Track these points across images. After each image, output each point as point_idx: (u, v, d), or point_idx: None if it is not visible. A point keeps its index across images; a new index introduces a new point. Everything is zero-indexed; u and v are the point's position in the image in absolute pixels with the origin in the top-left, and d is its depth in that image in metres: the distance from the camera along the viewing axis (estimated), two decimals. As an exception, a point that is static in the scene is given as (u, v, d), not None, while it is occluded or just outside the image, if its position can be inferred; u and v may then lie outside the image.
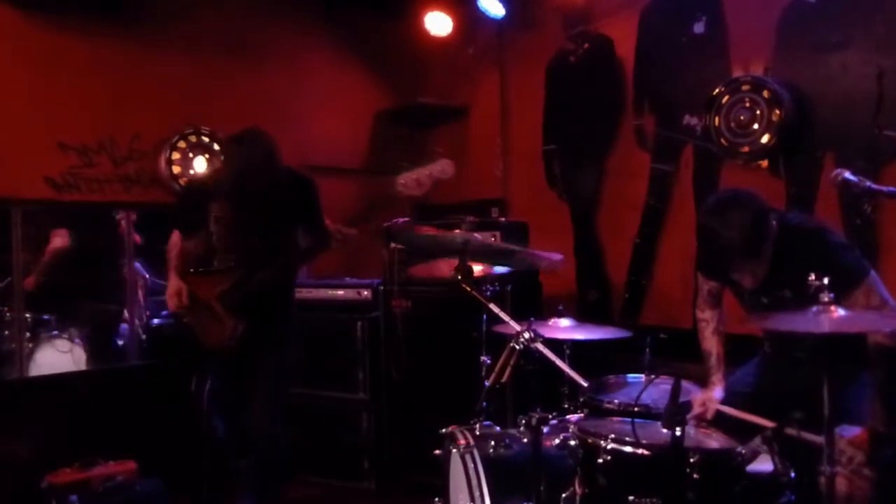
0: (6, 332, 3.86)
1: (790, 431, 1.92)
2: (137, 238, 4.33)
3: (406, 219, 3.71)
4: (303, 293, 4.03)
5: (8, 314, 3.87)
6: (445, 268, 2.57)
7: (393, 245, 3.88)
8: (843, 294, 2.18)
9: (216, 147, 4.28)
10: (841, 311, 1.89)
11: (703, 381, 2.64)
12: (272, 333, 3.06)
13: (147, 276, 4.50)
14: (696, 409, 2.43)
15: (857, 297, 2.22)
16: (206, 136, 4.27)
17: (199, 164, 4.24)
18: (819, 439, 1.90)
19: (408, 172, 2.98)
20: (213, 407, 3.03)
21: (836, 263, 2.23)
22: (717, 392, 2.52)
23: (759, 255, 2.27)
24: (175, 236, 3.15)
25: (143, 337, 4.31)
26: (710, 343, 2.64)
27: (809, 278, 1.93)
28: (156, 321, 4.43)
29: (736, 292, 2.58)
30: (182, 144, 4.21)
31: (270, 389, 3.09)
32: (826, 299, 1.90)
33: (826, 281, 1.91)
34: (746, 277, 2.34)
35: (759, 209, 2.27)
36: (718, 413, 2.40)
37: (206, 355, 3.00)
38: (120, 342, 4.38)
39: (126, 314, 4.30)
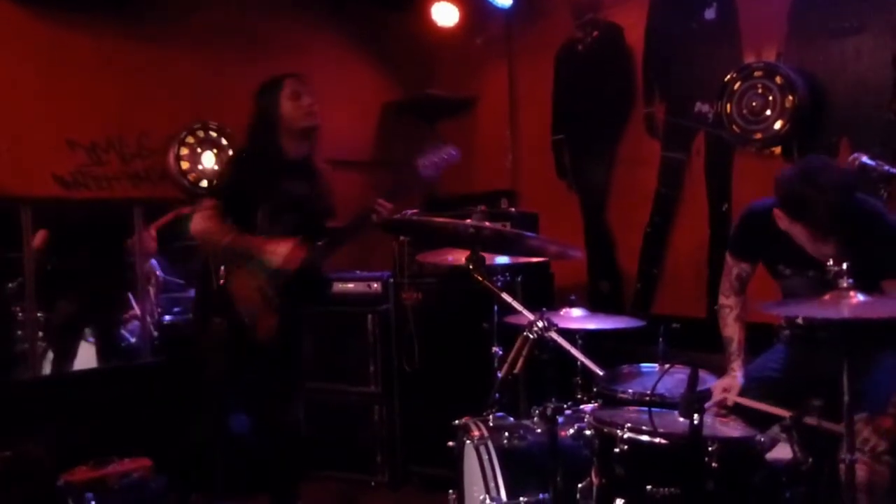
0: (19, 332, 3.87)
1: (810, 421, 1.89)
2: (153, 237, 4.34)
3: (415, 210, 3.70)
4: (313, 287, 4.03)
5: (20, 314, 3.88)
6: (454, 255, 2.56)
7: (402, 237, 3.87)
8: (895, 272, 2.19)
9: (224, 142, 4.27)
10: (861, 297, 1.86)
11: (718, 371, 2.62)
12: (301, 320, 3.04)
13: (160, 273, 4.50)
14: (717, 396, 2.41)
15: None
16: (214, 130, 4.26)
17: (208, 160, 4.24)
18: (839, 428, 1.88)
19: (424, 155, 2.99)
20: (238, 402, 3.01)
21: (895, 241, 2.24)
22: (738, 378, 2.50)
23: (849, 218, 2.21)
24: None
25: (156, 334, 4.31)
26: (732, 329, 2.61)
27: (828, 263, 1.90)
28: (168, 318, 4.43)
29: (777, 269, 2.53)
30: (191, 140, 4.20)
31: (301, 379, 3.09)
32: (845, 284, 1.87)
33: (845, 266, 1.88)
34: (830, 247, 2.23)
35: (844, 170, 2.26)
36: (736, 402, 2.38)
37: (251, 349, 2.89)
38: (132, 339, 4.39)
39: (138, 310, 4.31)
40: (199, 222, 2.89)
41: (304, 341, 3.17)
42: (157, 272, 4.48)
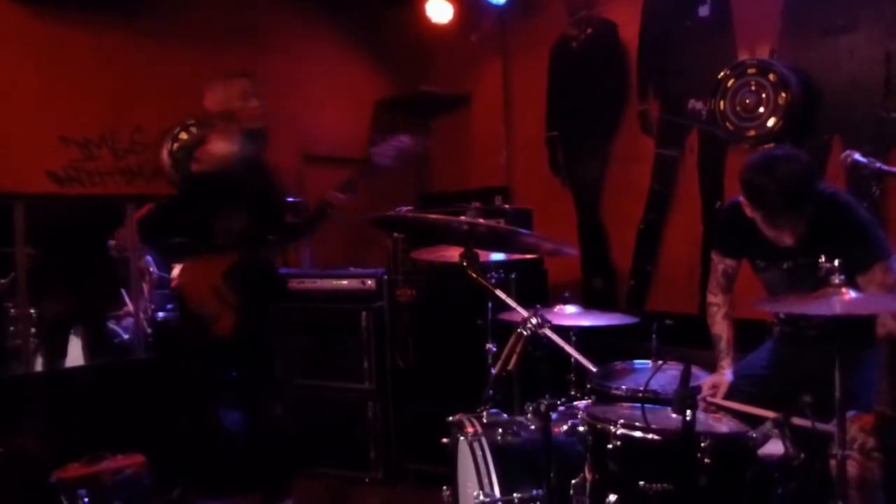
0: (11, 329, 3.86)
1: (800, 421, 1.91)
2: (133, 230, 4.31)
3: (409, 207, 3.70)
4: (307, 284, 4.03)
5: (13, 310, 3.86)
6: (448, 252, 2.56)
7: (396, 234, 3.87)
8: (865, 267, 2.23)
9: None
10: (852, 294, 1.87)
11: (711, 367, 2.63)
12: (270, 315, 3.06)
13: (154, 269, 4.49)
14: (706, 391, 2.43)
15: (875, 272, 2.24)
16: (207, 127, 4.24)
17: (201, 156, 4.21)
18: (830, 427, 1.89)
19: (380, 144, 3.08)
20: (223, 399, 3.02)
21: (866, 236, 2.28)
22: (727, 376, 2.51)
23: (804, 208, 2.25)
24: None
25: (149, 331, 4.31)
26: (721, 327, 2.62)
27: (820, 260, 1.91)
28: (161, 315, 4.42)
29: (755, 263, 2.55)
30: (184, 136, 4.18)
31: (276, 374, 3.10)
32: (837, 281, 1.88)
33: (837, 263, 1.89)
34: (787, 234, 2.31)
35: (806, 161, 2.27)
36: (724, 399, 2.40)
37: (216, 346, 2.95)
38: (126, 336, 4.38)
39: (131, 306, 4.30)
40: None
41: (274, 338, 3.17)
42: (152, 269, 4.47)
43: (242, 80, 3.00)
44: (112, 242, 4.27)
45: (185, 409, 3.07)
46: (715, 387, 2.48)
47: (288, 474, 3.21)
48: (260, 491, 3.16)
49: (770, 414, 2.01)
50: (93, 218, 4.17)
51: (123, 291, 4.40)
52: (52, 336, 4.14)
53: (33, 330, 3.97)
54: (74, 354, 4.21)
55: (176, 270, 3.02)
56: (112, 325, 4.43)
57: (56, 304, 4.14)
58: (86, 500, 3.18)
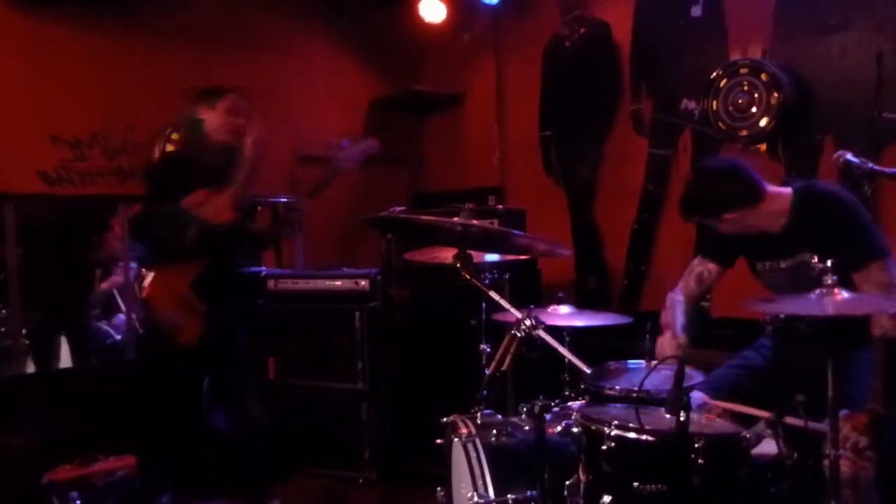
0: (2, 329, 3.83)
1: (793, 421, 1.91)
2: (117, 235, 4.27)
3: (403, 207, 3.70)
4: (300, 284, 4.02)
5: (4, 310, 3.84)
6: (442, 253, 2.55)
7: (389, 235, 3.86)
8: (862, 265, 2.24)
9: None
10: (845, 294, 1.88)
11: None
12: (238, 318, 3.08)
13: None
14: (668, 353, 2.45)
15: (872, 270, 2.24)
16: (200, 127, 4.23)
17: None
18: (822, 427, 1.89)
19: (343, 151, 3.17)
20: (212, 399, 3.01)
21: (863, 234, 2.28)
22: (679, 338, 2.52)
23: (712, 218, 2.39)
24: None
25: (141, 332, 4.28)
26: (673, 316, 2.58)
27: (813, 260, 1.92)
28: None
29: (752, 261, 2.56)
30: (176, 136, 4.16)
31: (246, 375, 3.11)
32: (829, 281, 1.89)
33: (830, 263, 1.90)
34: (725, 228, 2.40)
35: (728, 181, 2.35)
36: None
37: (182, 354, 2.94)
38: (118, 336, 4.36)
39: (124, 307, 4.28)
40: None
41: (250, 339, 3.19)
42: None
43: (233, 97, 3.02)
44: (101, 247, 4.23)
45: (170, 413, 3.05)
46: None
47: (271, 474, 3.21)
48: (244, 492, 3.15)
49: (763, 414, 2.01)
50: (73, 220, 4.12)
51: (116, 293, 4.38)
52: (40, 338, 4.10)
53: (24, 331, 3.94)
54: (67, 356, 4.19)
55: (148, 279, 2.98)
56: (104, 325, 4.41)
57: (40, 306, 4.11)
58: (77, 501, 3.17)
